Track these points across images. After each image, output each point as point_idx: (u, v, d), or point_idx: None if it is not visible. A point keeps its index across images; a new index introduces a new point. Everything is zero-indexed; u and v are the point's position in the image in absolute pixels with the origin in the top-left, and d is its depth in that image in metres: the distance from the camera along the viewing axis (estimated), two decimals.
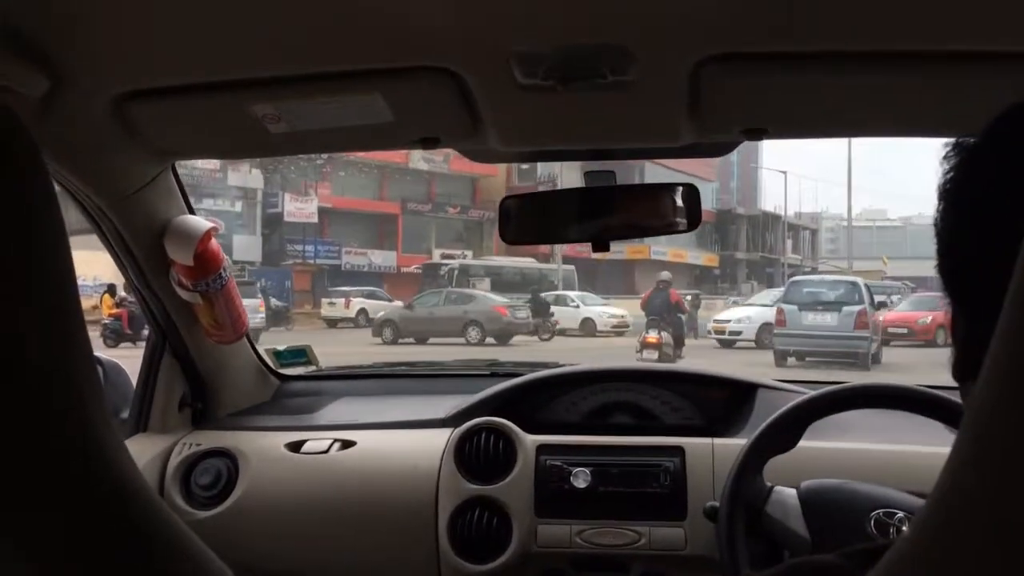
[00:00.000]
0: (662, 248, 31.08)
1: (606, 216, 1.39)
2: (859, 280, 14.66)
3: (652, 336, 11.70)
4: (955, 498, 0.31)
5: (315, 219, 26.10)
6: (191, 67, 1.06)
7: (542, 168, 24.76)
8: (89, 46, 0.99)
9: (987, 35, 0.95)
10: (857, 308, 12.83)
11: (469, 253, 28.17)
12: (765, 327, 14.94)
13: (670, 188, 1.39)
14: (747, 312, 16.92)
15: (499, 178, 28.87)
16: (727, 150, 1.40)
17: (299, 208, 25.86)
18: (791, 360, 12.69)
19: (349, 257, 27.24)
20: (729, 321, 16.76)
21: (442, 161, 28.48)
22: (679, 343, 12.28)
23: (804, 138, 1.34)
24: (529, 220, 1.46)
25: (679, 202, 1.38)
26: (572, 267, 25.78)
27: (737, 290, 30.28)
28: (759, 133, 1.24)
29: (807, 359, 12.73)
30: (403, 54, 1.02)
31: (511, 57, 0.99)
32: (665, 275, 13.57)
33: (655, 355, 11.04)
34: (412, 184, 28.85)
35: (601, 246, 1.38)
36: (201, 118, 1.22)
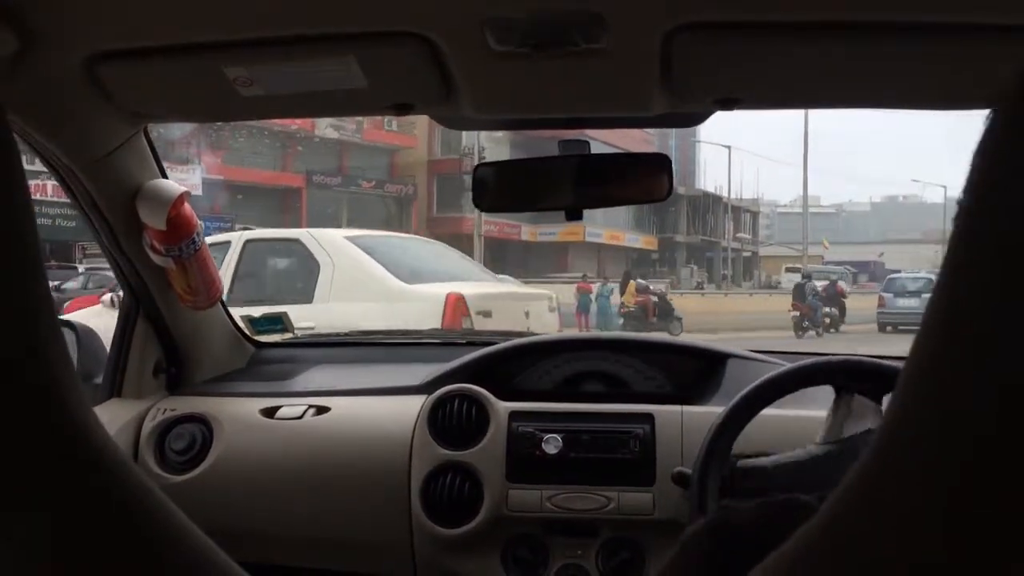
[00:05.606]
0: (597, 230, 31.07)
1: (581, 184, 1.48)
2: (933, 276, 17.82)
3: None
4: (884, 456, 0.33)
5: (199, 191, 24.08)
6: (163, 28, 1.11)
7: (466, 140, 24.67)
8: (60, 5, 1.04)
9: (961, 7, 1.02)
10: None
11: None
12: None
13: (643, 158, 1.51)
14: None
15: (419, 150, 28.47)
16: (700, 120, 1.48)
17: (178, 179, 24.10)
18: (889, 329, 19.71)
19: None
20: None
21: (354, 130, 27.72)
22: (835, 323, 20.08)
23: (777, 108, 1.47)
24: (504, 188, 1.53)
25: (651, 171, 1.47)
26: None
27: (676, 275, 30.80)
28: (732, 103, 1.31)
29: (899, 328, 18.77)
30: (378, 19, 1.08)
31: (485, 23, 1.05)
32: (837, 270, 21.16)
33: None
34: (320, 155, 27.94)
35: (574, 215, 1.47)
36: (173, 80, 1.28)
